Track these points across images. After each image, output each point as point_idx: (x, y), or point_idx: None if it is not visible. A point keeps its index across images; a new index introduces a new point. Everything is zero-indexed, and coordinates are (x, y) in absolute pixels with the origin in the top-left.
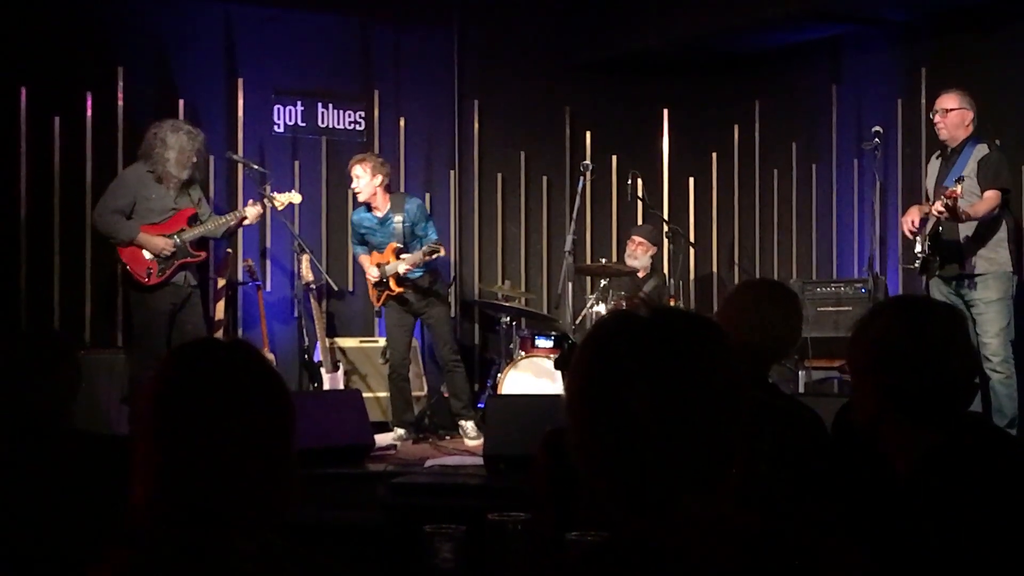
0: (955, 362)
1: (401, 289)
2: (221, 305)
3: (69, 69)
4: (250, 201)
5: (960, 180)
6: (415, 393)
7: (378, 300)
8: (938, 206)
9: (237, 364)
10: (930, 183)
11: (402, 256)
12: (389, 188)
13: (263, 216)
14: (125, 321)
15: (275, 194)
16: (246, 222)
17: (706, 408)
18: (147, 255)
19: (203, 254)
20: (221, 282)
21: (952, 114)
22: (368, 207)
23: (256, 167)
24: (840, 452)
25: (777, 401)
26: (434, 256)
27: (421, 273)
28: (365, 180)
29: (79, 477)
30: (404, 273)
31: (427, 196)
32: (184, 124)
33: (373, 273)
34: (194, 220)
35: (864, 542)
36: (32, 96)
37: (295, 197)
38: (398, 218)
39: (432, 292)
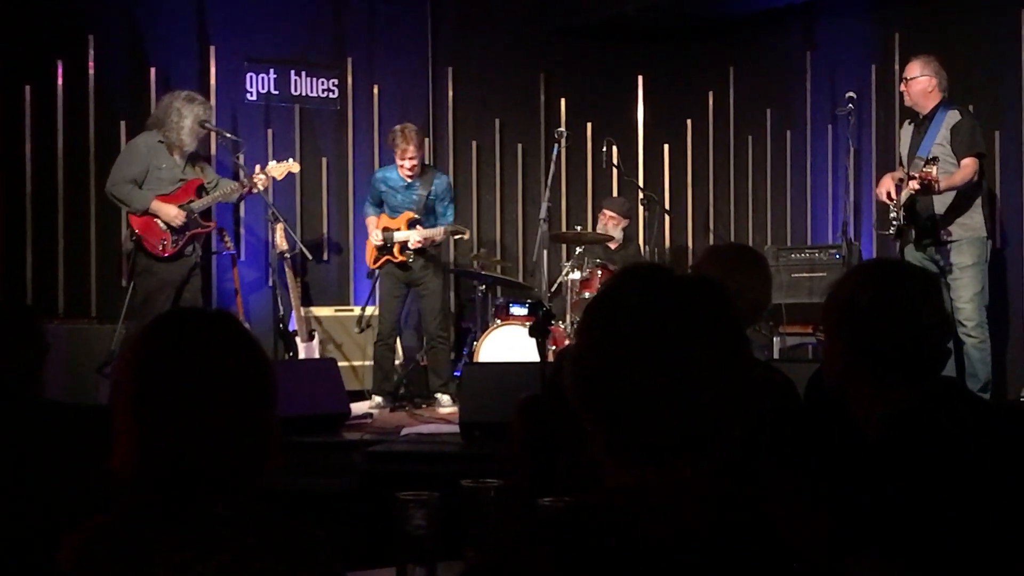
0: (924, 325)
1: (404, 257)
2: None
3: (39, 37)
4: (255, 173)
5: (935, 161)
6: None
7: (374, 262)
8: (914, 184)
9: (218, 333)
10: (903, 149)
11: (419, 227)
12: (424, 163)
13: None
14: (99, 291)
15: (273, 163)
16: (255, 190)
17: (746, 372)
18: (161, 225)
19: (212, 224)
20: None
21: (913, 82)
22: (396, 168)
23: (229, 135)
24: (811, 415)
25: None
26: (456, 236)
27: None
28: (419, 157)
29: (50, 446)
30: (414, 246)
31: None
32: (197, 95)
33: (377, 236)
34: (201, 191)
35: (831, 504)
36: (2, 65)
37: (294, 166)
38: (423, 190)
39: (432, 263)
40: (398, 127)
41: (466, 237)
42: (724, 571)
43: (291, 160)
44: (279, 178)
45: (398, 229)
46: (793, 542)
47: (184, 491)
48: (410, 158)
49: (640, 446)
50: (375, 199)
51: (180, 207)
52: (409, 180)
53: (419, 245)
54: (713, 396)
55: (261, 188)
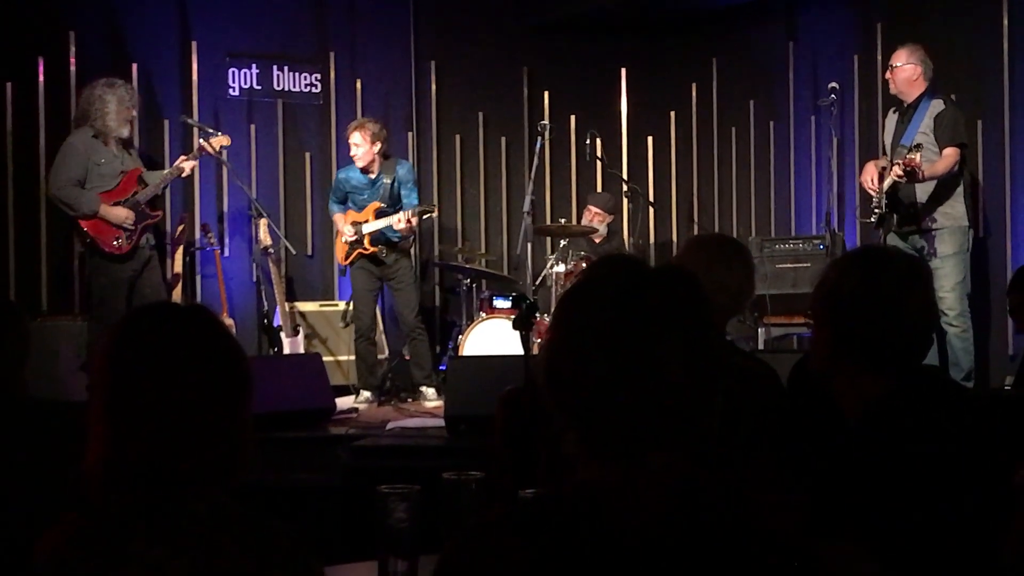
0: (909, 312)
1: (375, 249)
2: (179, 256)
3: (20, 34)
4: (182, 157)
5: (919, 148)
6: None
7: (346, 258)
8: (897, 171)
9: (192, 328)
10: (887, 138)
11: (383, 216)
12: (386, 155)
13: (218, 178)
14: (82, 288)
15: (205, 141)
16: (183, 175)
17: (716, 362)
18: (112, 224)
19: (159, 213)
20: (178, 252)
21: (899, 71)
22: (359, 167)
23: (211, 131)
24: (794, 401)
25: (734, 358)
26: (425, 217)
27: (399, 238)
28: (364, 148)
29: (32, 444)
30: (400, 226)
31: None
32: (117, 80)
33: (348, 231)
34: (141, 179)
35: (813, 491)
36: None
37: (224, 139)
38: (387, 180)
39: (402, 256)
40: (353, 122)
41: (435, 214)
42: (699, 562)
43: (220, 134)
44: (213, 152)
45: (366, 221)
46: (773, 531)
47: (158, 487)
48: (355, 144)
49: (613, 440)
50: (339, 197)
51: (127, 203)
52: (373, 176)
53: (401, 225)
54: (685, 390)
55: (187, 172)
